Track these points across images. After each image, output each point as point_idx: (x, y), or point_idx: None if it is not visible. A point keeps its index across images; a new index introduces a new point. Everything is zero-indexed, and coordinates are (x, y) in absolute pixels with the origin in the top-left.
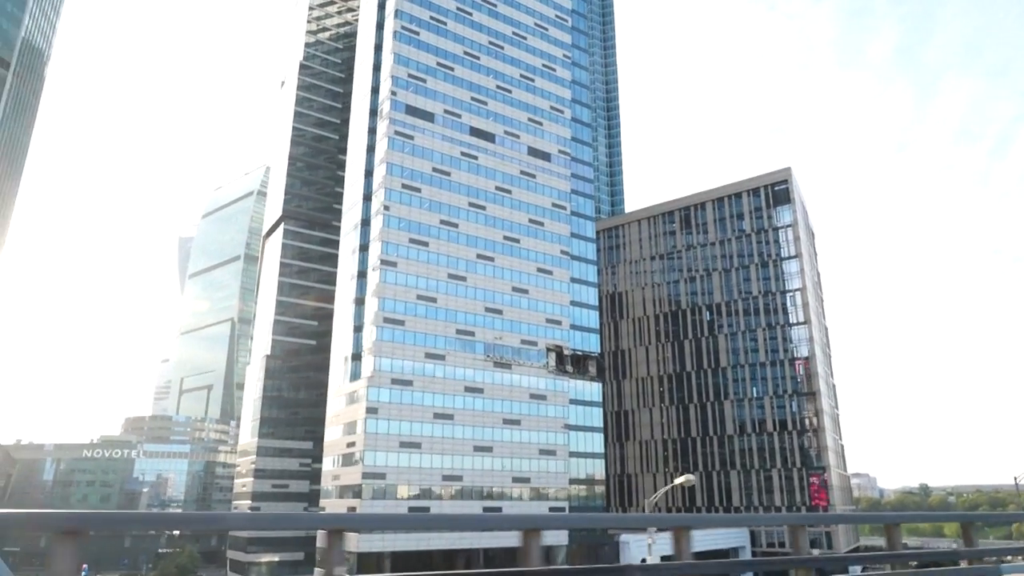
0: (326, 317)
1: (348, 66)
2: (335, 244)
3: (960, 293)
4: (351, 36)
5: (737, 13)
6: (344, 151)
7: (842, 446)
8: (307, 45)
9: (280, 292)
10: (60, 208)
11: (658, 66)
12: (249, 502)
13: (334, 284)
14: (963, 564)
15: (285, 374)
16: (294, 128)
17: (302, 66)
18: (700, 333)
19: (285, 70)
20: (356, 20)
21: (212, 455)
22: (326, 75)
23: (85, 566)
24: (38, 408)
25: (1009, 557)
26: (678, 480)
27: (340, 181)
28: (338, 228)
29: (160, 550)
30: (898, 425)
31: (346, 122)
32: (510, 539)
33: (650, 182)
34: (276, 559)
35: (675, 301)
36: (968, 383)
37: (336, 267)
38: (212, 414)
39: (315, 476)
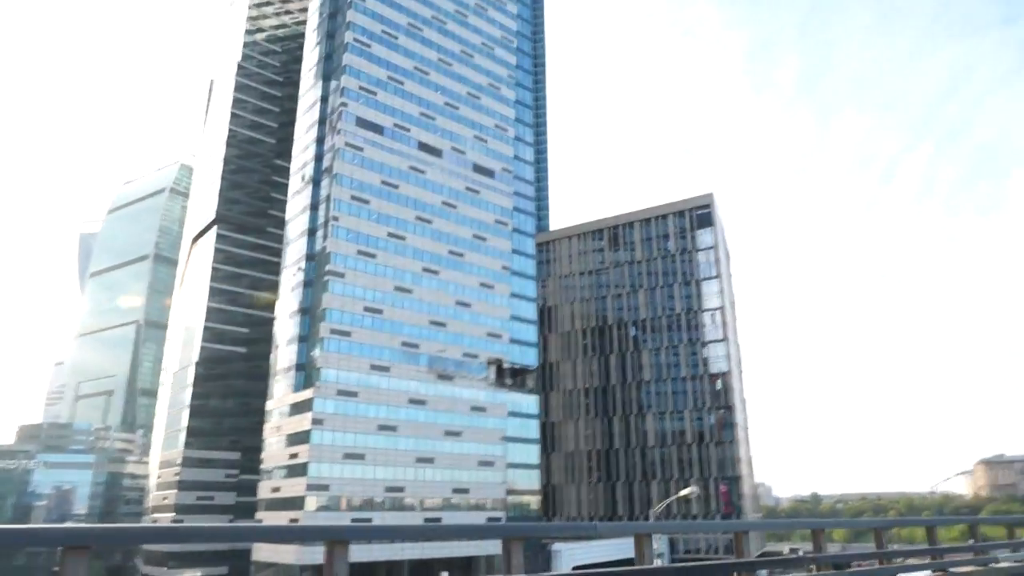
0: (256, 324)
1: (284, 70)
2: (267, 250)
3: (848, 309)
4: (287, 39)
5: (654, 37)
6: (280, 155)
7: (750, 457)
8: (244, 45)
9: (211, 298)
10: None
11: (580, 85)
12: (172, 515)
13: (265, 290)
14: (876, 564)
15: (212, 382)
16: (229, 130)
17: (239, 67)
18: (625, 348)
19: (216, 69)
20: (293, 23)
21: (118, 466)
22: (260, 76)
23: None
24: None
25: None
26: (683, 492)
27: (274, 186)
28: (271, 234)
29: (55, 568)
30: (788, 436)
31: (282, 126)
32: (452, 549)
33: (572, 199)
34: (199, 574)
35: (602, 316)
36: (851, 396)
37: (269, 273)
38: (112, 421)
39: (242, 488)
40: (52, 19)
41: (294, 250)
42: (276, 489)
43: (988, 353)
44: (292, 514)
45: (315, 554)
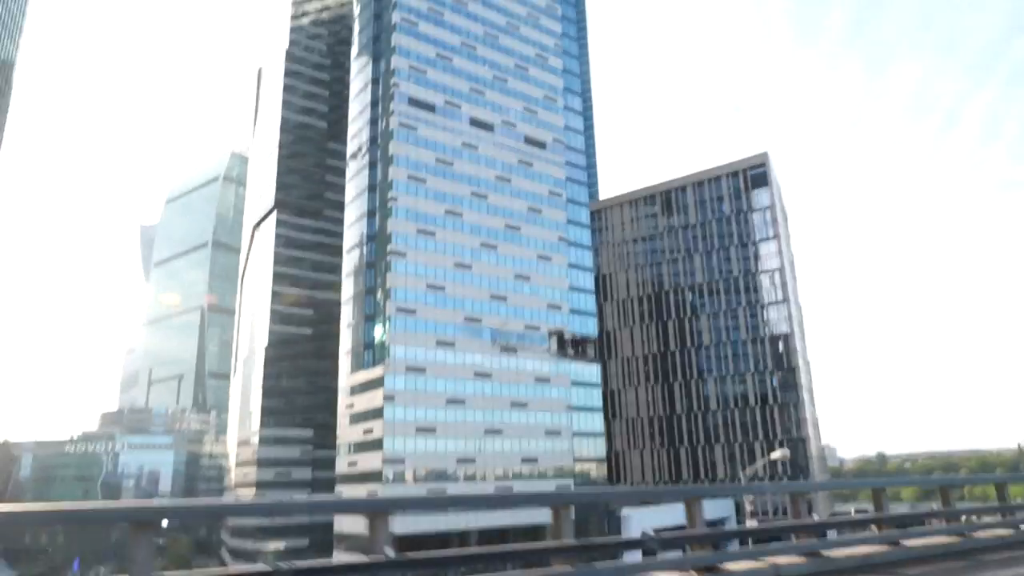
0: (320, 306)
1: (331, 52)
2: (326, 232)
3: (911, 265)
4: (331, 22)
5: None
6: (332, 138)
7: (816, 419)
8: (291, 31)
9: (275, 282)
10: (12, 200)
11: (621, 46)
12: (254, 490)
13: (327, 272)
14: (940, 523)
15: (282, 363)
16: (282, 116)
17: (288, 54)
18: (683, 313)
19: (263, 57)
20: (336, 5)
21: (196, 446)
22: (308, 61)
23: (77, 560)
24: None
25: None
26: (774, 455)
27: (330, 169)
28: (329, 217)
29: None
30: (853, 397)
31: (332, 109)
32: (520, 517)
33: (621, 165)
34: (282, 546)
35: (658, 282)
36: (919, 354)
37: (329, 255)
38: (184, 404)
39: (317, 463)
40: (102, 13)
41: (354, 232)
42: (353, 463)
43: None
44: (370, 487)
45: (398, 524)
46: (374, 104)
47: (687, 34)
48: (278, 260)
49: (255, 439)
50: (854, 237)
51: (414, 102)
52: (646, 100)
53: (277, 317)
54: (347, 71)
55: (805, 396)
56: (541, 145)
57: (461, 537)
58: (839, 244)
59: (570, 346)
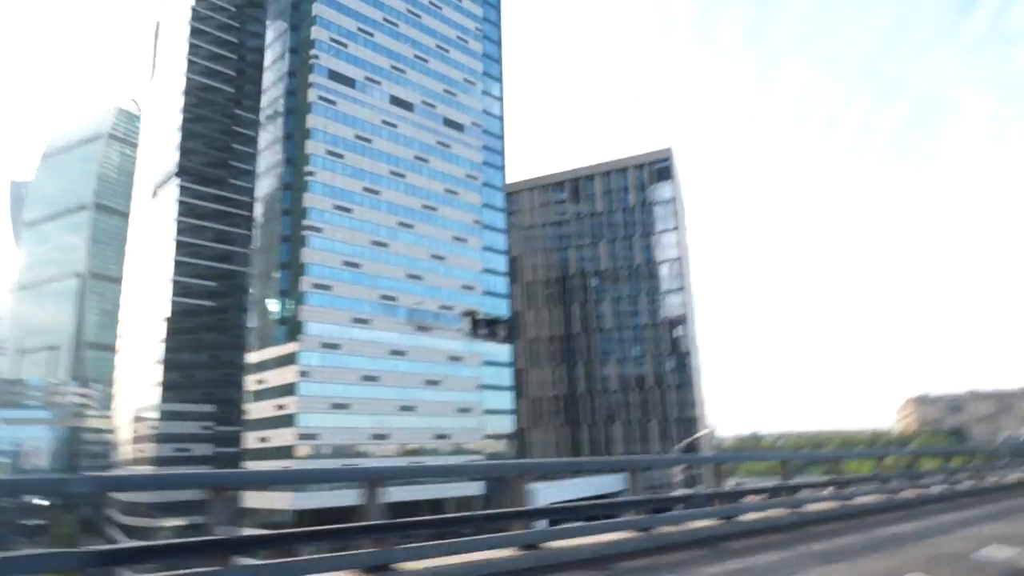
0: (222, 277)
1: (239, 15)
2: (230, 202)
3: (788, 257)
4: None
5: None
6: (238, 104)
7: (703, 400)
8: None
9: (178, 251)
10: None
11: (528, 30)
12: (152, 467)
13: (230, 244)
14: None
15: (182, 335)
16: (187, 78)
17: (194, 12)
18: (587, 298)
19: (162, 10)
20: None
21: (78, 420)
22: (214, 21)
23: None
24: None
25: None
26: (701, 433)
27: (235, 136)
28: (233, 185)
29: (20, 521)
30: (730, 380)
31: (240, 74)
32: (444, 490)
33: (523, 148)
34: (182, 523)
35: (564, 267)
36: (791, 340)
37: (232, 226)
38: (59, 376)
39: (219, 439)
40: None
41: (265, 205)
42: (264, 439)
43: (917, 297)
44: (283, 462)
45: (309, 500)
46: (291, 75)
47: (590, 25)
48: (180, 229)
49: (153, 414)
50: (740, 228)
51: (334, 75)
52: (550, 85)
53: (178, 288)
54: (255, 35)
55: (696, 378)
56: (459, 127)
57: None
58: (726, 233)
59: (483, 327)
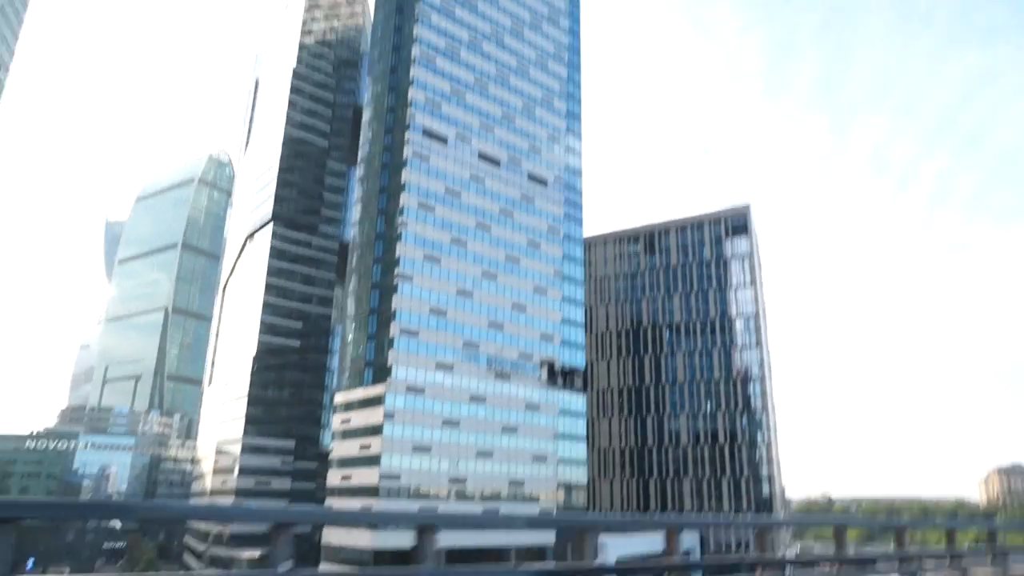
0: (307, 318)
1: (335, 74)
2: (319, 247)
3: (864, 315)
4: (337, 44)
5: (674, 37)
6: (330, 156)
7: (778, 459)
8: (300, 48)
9: (267, 293)
10: None
11: (603, 87)
12: (232, 498)
13: (318, 287)
14: (897, 564)
15: (267, 372)
16: (285, 131)
17: (295, 72)
18: (659, 350)
19: (262, 68)
20: (342, 27)
21: (159, 449)
22: (311, 79)
23: (31, 559)
24: None
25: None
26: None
27: (326, 186)
28: (323, 232)
29: (105, 545)
30: (802, 440)
31: (334, 129)
32: (511, 538)
33: (594, 199)
34: (256, 555)
35: (636, 318)
36: (865, 402)
37: (320, 270)
38: (139, 405)
39: (296, 475)
40: (78, 6)
41: (360, 252)
42: (347, 477)
43: (1000, 361)
44: (365, 501)
45: (389, 539)
46: (387, 132)
47: (661, 80)
48: (271, 271)
49: (236, 447)
50: (814, 286)
51: (428, 133)
52: (621, 139)
53: (265, 327)
54: (348, 93)
55: (770, 437)
56: (543, 182)
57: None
58: (800, 292)
59: (560, 376)
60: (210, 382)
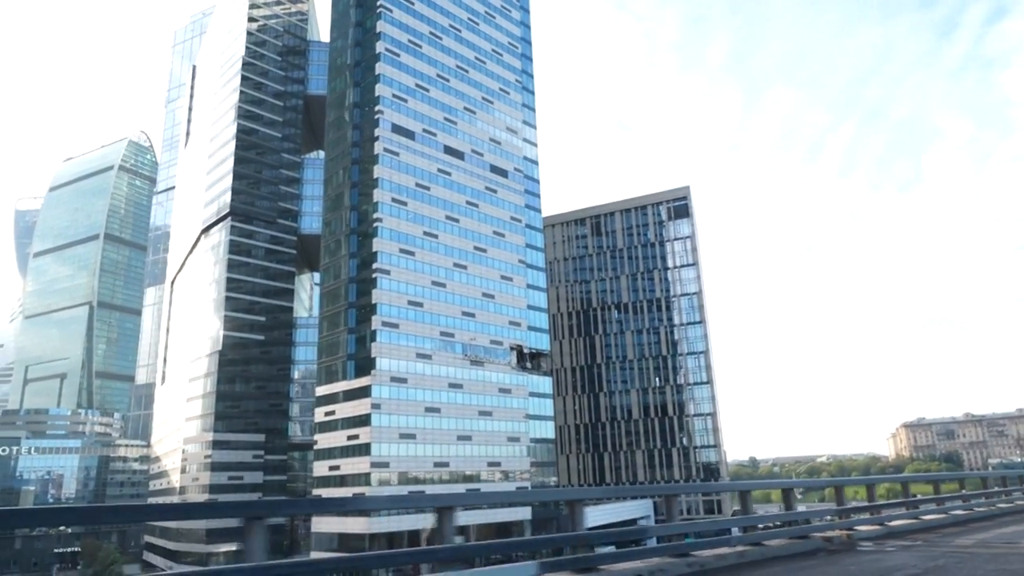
0: (270, 312)
1: (284, 64)
2: (278, 240)
3: (776, 284)
4: (285, 33)
5: (588, 11)
6: (285, 149)
7: (719, 427)
8: (249, 39)
9: (229, 288)
10: None
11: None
12: (206, 495)
13: (277, 280)
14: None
15: (234, 368)
16: (238, 124)
17: (245, 63)
18: (609, 329)
19: (200, 56)
20: (285, 15)
21: (106, 450)
22: (255, 67)
23: None
24: None
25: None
26: None
27: (282, 179)
28: (280, 225)
29: (56, 550)
30: (726, 407)
31: (287, 122)
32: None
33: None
34: (234, 548)
35: (586, 300)
36: (781, 366)
37: (279, 263)
38: (67, 405)
39: (268, 468)
40: None
41: (333, 248)
42: (335, 468)
43: (904, 323)
44: (356, 489)
45: (384, 524)
46: (355, 127)
47: (579, 55)
48: (231, 266)
49: (203, 443)
50: (731, 257)
51: (397, 129)
52: (553, 119)
53: (229, 322)
54: (297, 82)
55: (715, 407)
56: (504, 173)
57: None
58: (718, 263)
59: (527, 359)
60: (163, 380)
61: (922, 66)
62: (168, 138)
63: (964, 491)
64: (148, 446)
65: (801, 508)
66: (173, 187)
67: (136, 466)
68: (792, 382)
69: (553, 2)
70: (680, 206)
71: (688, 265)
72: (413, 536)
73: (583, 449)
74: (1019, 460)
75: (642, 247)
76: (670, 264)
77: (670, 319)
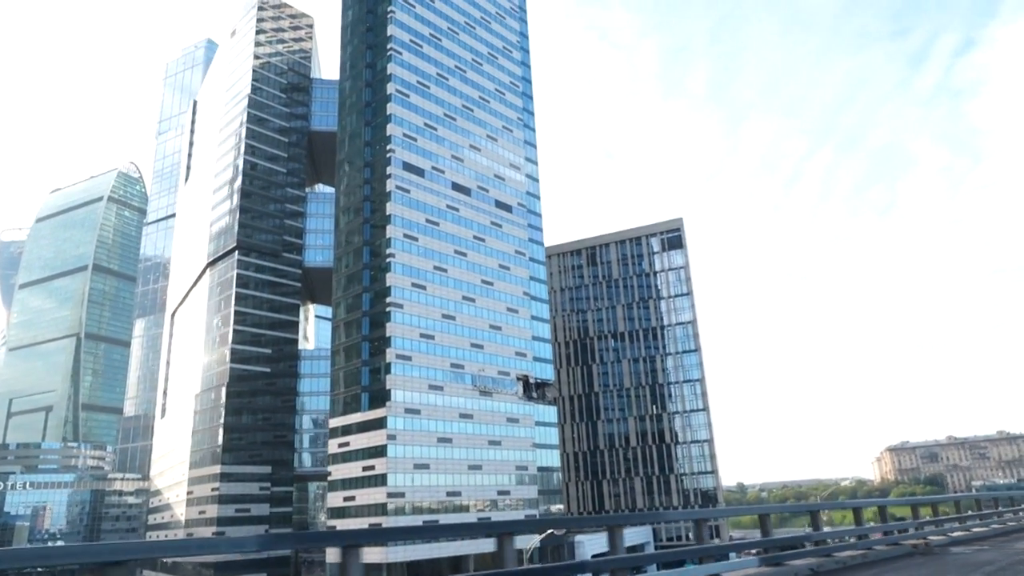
0: (275, 344)
1: (289, 101)
2: (283, 274)
3: (760, 310)
4: (289, 71)
5: (571, 41)
6: (290, 184)
7: (715, 454)
8: (255, 75)
9: (236, 321)
10: None
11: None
12: (213, 528)
13: (283, 312)
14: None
15: (241, 400)
16: (245, 160)
17: (251, 99)
18: (605, 358)
19: (207, 92)
20: (288, 53)
21: (101, 483)
22: (262, 105)
23: None
24: None
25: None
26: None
27: (287, 213)
28: (286, 259)
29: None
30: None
31: (292, 157)
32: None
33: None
34: None
35: (583, 329)
36: (767, 393)
37: (285, 296)
38: (53, 437)
39: (274, 499)
40: None
41: (346, 283)
42: (350, 498)
43: (886, 348)
44: (372, 519)
45: (400, 553)
46: (366, 165)
47: (566, 89)
48: (238, 299)
49: (209, 476)
50: (718, 287)
51: (407, 167)
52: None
53: (236, 355)
54: (300, 118)
55: (711, 434)
56: (508, 208)
57: (451, 563)
58: (706, 292)
59: (534, 389)
60: (163, 413)
61: (896, 95)
62: (159, 169)
63: (996, 509)
64: (143, 479)
65: (827, 529)
66: (164, 218)
67: (131, 500)
68: (775, 409)
69: (541, 37)
70: (674, 237)
71: (682, 295)
72: (432, 564)
73: (582, 477)
74: (1002, 482)
75: (636, 277)
76: (664, 294)
77: (665, 347)
